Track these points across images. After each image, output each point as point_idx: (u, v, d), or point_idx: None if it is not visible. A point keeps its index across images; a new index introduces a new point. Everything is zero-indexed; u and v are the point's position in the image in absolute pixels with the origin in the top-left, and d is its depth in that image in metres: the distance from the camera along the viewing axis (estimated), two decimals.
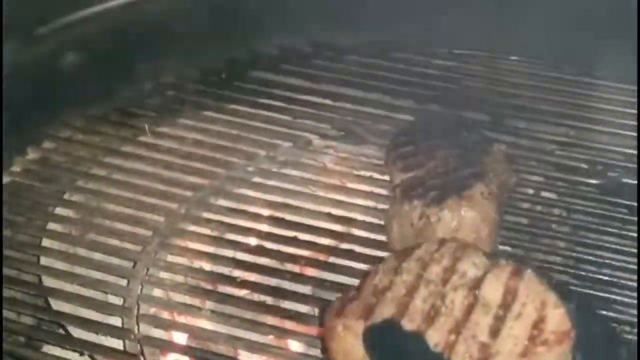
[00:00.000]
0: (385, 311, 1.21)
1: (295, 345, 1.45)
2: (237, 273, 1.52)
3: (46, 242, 1.59)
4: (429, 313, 1.20)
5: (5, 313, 1.44)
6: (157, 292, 1.52)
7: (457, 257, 1.26)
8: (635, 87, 1.84)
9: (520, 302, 1.20)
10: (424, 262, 1.26)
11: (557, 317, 1.19)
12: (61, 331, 1.46)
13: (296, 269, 1.54)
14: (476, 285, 1.22)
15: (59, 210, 1.65)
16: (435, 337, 1.18)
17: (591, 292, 1.46)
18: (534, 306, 1.20)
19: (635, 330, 1.40)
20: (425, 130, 1.63)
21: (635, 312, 1.43)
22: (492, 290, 1.22)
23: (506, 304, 1.20)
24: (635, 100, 1.82)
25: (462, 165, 1.49)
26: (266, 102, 1.87)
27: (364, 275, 1.32)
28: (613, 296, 1.46)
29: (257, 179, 1.70)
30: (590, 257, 1.52)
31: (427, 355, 1.17)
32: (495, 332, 1.18)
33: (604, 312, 1.42)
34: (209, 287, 1.52)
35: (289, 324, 1.44)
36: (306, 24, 2.01)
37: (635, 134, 1.76)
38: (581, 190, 1.66)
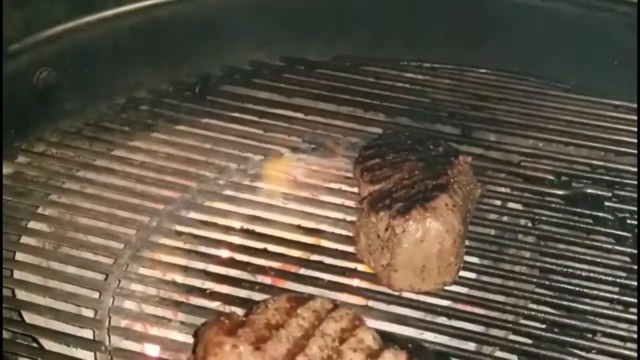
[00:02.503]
0: (278, 347, 1.21)
1: None
2: (209, 285, 1.53)
3: (20, 256, 1.60)
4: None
5: None
6: (129, 304, 1.53)
7: (356, 325, 1.26)
8: (600, 99, 1.88)
9: None
10: (319, 316, 1.27)
11: None
12: (34, 344, 1.47)
13: (267, 280, 1.56)
14: (374, 355, 1.22)
15: (32, 225, 1.66)
16: None
17: (558, 301, 1.49)
18: None
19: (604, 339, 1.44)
20: (393, 143, 1.65)
21: (602, 320, 1.46)
22: None
23: None
24: (597, 112, 1.87)
25: (427, 178, 1.51)
26: (238, 116, 1.90)
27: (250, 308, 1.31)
28: (581, 306, 1.48)
29: (228, 192, 1.72)
30: (556, 267, 1.54)
31: None
32: None
33: (572, 322, 1.45)
34: (181, 299, 1.53)
35: None
36: (278, 39, 2.04)
37: (598, 145, 1.81)
38: (547, 201, 1.68)
